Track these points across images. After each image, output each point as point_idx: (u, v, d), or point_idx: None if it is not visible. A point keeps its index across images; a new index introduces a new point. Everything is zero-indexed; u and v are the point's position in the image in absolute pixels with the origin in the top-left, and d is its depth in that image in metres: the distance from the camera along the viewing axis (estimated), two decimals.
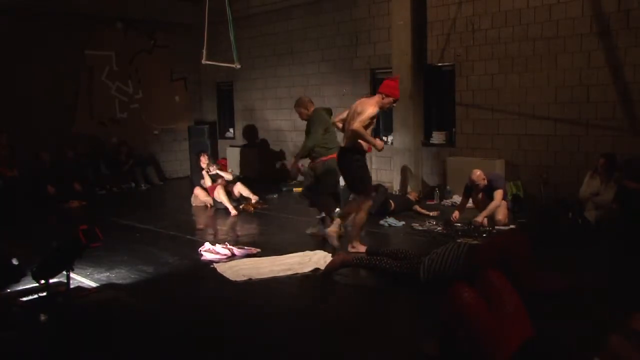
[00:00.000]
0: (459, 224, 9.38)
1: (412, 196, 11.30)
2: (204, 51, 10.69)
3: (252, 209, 11.35)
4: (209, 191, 11.82)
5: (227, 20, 10.67)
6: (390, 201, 10.69)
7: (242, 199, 11.72)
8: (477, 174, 9.55)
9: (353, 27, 13.81)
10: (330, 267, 6.92)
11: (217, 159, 14.96)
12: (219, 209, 11.55)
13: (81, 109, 15.60)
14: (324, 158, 8.96)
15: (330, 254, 7.71)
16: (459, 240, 6.62)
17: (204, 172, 11.98)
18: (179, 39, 16.99)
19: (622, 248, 7.96)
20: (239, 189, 11.79)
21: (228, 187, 11.79)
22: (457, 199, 11.05)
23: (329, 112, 9.44)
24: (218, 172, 12.10)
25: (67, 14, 14.72)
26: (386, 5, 12.90)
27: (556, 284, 5.95)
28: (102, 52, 15.91)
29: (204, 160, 12.38)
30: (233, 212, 11.17)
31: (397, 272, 6.49)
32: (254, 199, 11.65)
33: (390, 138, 13.11)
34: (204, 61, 10.82)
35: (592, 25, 10.13)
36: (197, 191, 12.17)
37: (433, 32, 12.26)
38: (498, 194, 9.32)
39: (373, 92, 13.55)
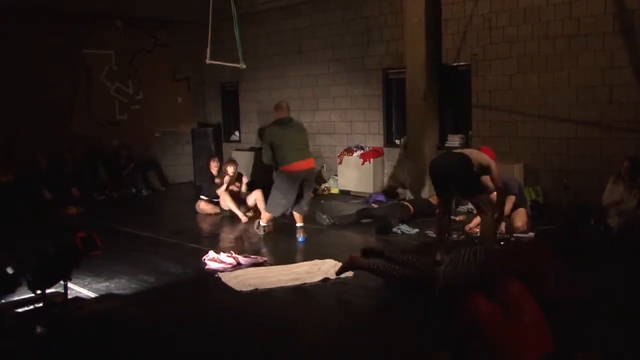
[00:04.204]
0: (477, 231, 9.34)
1: (434, 200, 11.14)
2: (208, 50, 10.72)
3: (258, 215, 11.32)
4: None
5: (232, 18, 10.70)
6: (409, 205, 10.64)
7: (256, 208, 11.42)
8: None
9: (364, 25, 13.80)
10: (344, 268, 6.95)
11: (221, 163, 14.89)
12: (224, 216, 11.54)
13: (79, 110, 15.64)
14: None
15: (340, 263, 7.69)
16: (475, 247, 6.54)
17: (223, 187, 11.63)
18: (181, 37, 17.01)
19: None
20: (257, 198, 11.27)
21: (242, 195, 11.75)
22: None
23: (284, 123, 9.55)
24: (241, 189, 11.90)
25: (65, 11, 14.73)
26: (399, 2, 12.89)
27: (574, 293, 5.88)
28: (101, 51, 15.96)
29: (214, 166, 12.31)
30: (243, 218, 11.16)
31: (411, 281, 6.46)
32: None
33: (403, 141, 13.09)
34: (207, 61, 10.85)
35: (615, 22, 10.09)
36: (203, 205, 12.08)
37: (448, 30, 12.25)
38: (509, 200, 9.21)
39: (384, 93, 13.57)
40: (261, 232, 9.98)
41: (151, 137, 17.09)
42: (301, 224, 9.56)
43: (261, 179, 14.64)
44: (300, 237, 9.48)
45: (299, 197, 9.44)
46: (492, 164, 7.91)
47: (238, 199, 11.63)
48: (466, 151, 8.20)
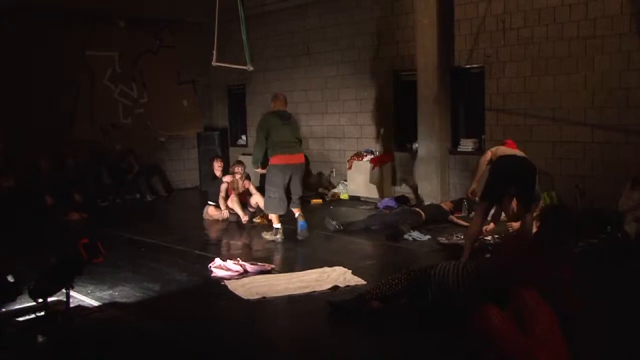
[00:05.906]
0: (489, 238, 9.30)
1: (447, 205, 11.15)
2: (214, 52, 10.74)
3: (267, 221, 11.27)
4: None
5: (239, 19, 10.70)
6: (421, 211, 10.64)
7: (259, 210, 11.53)
8: None
9: (374, 26, 13.80)
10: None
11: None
12: (231, 222, 11.55)
13: (81, 113, 15.65)
14: None
15: (350, 271, 7.69)
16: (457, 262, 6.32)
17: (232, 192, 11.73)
18: (187, 38, 17.03)
19: None
20: (258, 200, 11.42)
21: (244, 198, 11.76)
22: None
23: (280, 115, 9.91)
24: (249, 188, 11.88)
25: (67, 11, 14.74)
26: (410, 3, 12.87)
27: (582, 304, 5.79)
28: (104, 53, 15.99)
29: (217, 166, 12.31)
30: (244, 218, 11.30)
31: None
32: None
33: (415, 145, 13.07)
34: (214, 63, 10.86)
35: (632, 23, 10.05)
36: (212, 211, 12.08)
37: (461, 31, 12.23)
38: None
39: (395, 96, 13.56)
40: (279, 238, 9.96)
41: (156, 142, 17.10)
42: (299, 213, 9.97)
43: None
44: (300, 221, 9.86)
45: (288, 191, 9.86)
46: None
47: (245, 204, 11.67)
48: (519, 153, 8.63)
